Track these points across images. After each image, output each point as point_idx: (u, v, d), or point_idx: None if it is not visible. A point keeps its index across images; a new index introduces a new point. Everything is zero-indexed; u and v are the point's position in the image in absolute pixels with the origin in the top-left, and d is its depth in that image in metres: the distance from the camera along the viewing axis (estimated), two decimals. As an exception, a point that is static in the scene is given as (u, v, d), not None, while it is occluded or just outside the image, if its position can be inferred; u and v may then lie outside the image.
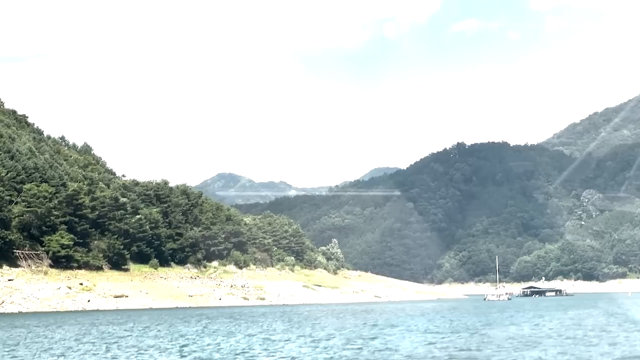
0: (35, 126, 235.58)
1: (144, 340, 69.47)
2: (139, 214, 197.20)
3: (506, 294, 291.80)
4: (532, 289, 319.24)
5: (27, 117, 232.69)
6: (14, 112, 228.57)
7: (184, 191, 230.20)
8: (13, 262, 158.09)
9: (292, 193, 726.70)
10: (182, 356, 56.24)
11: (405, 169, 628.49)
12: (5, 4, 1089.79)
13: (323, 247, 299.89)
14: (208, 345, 64.45)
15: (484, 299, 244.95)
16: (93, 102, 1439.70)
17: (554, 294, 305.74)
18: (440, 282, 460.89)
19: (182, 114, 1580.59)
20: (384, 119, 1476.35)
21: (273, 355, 55.32)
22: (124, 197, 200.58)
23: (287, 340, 67.96)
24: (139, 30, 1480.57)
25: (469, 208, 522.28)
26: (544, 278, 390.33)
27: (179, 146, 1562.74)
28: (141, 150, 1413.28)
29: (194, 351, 59.37)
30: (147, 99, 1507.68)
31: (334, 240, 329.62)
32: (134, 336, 75.03)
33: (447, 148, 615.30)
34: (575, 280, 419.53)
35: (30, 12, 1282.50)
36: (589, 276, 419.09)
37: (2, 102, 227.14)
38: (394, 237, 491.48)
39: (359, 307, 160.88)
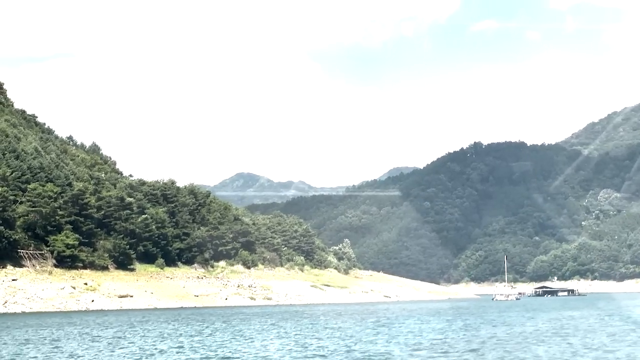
0: (46, 126, 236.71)
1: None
2: (145, 214, 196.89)
3: (519, 293, 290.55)
4: (544, 289, 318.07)
5: (37, 117, 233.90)
6: (23, 111, 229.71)
7: (192, 191, 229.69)
8: (17, 262, 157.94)
9: (310, 193, 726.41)
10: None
11: (422, 168, 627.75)
12: (18, 6, 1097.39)
13: (335, 247, 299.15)
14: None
15: (492, 299, 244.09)
16: (112, 103, 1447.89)
17: (566, 293, 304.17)
18: (456, 281, 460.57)
19: (201, 114, 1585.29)
20: (402, 119, 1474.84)
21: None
22: (130, 196, 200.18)
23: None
24: (158, 32, 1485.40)
25: (485, 207, 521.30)
26: (555, 278, 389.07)
27: (198, 146, 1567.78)
28: (160, 151, 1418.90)
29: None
30: (165, 99, 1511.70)
31: (346, 240, 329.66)
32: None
33: (464, 147, 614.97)
34: (592, 280, 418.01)
35: (45, 13, 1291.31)
36: (605, 276, 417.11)
37: (11, 102, 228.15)
38: (411, 237, 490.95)
39: (362, 307, 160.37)
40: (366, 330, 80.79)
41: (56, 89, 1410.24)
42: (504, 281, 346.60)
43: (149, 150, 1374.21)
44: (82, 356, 58.17)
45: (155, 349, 62.58)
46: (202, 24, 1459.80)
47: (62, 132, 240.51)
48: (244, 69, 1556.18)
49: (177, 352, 59.76)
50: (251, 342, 67.74)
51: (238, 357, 55.75)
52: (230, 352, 59.25)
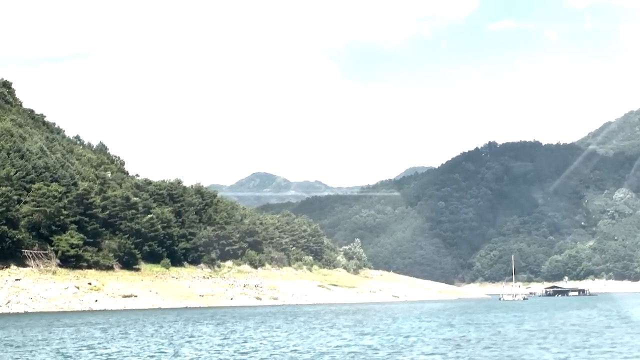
0: (55, 125, 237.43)
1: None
2: (150, 214, 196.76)
3: (530, 293, 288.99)
4: (555, 289, 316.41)
5: (45, 117, 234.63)
6: (31, 111, 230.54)
7: (198, 190, 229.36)
8: (21, 262, 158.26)
9: (326, 192, 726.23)
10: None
11: (437, 168, 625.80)
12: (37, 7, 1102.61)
13: (345, 247, 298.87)
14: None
15: (499, 299, 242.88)
16: (131, 103, 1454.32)
17: (576, 293, 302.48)
18: (471, 281, 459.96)
19: (217, 114, 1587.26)
20: (418, 118, 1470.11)
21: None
22: (136, 196, 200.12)
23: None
24: (175, 32, 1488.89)
25: (499, 207, 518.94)
26: (567, 278, 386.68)
27: (215, 146, 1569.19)
28: (176, 151, 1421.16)
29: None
30: (183, 99, 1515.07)
31: (357, 239, 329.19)
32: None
33: (479, 147, 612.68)
34: (607, 279, 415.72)
35: (63, 14, 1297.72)
36: (620, 275, 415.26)
37: (19, 102, 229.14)
38: (425, 237, 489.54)
39: (366, 307, 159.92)
40: (339, 331, 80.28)
41: (73, 89, 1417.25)
42: (520, 281, 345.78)
43: (165, 151, 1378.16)
44: (33, 356, 58.56)
45: (118, 351, 62.36)
46: (218, 23, 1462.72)
47: (76, 132, 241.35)
48: (260, 68, 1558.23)
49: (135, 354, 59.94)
50: (209, 344, 67.29)
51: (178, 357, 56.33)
52: (175, 354, 59.16)
